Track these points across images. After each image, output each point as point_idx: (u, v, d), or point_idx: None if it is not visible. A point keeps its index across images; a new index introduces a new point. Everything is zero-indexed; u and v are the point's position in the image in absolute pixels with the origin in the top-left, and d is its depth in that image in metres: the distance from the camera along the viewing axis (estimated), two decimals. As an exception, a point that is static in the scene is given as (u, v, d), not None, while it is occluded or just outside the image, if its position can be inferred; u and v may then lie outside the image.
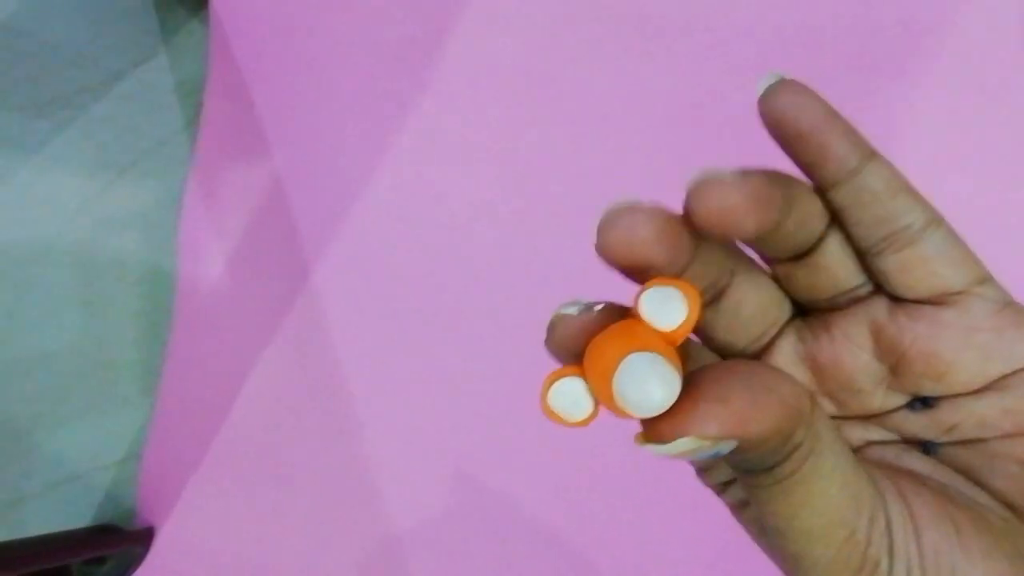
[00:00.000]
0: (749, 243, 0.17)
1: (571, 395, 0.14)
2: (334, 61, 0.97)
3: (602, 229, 0.14)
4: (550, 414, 0.14)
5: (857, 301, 0.17)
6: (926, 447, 0.17)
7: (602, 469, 0.83)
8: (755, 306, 0.17)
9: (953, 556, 0.14)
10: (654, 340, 0.13)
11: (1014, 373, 0.16)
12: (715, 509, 0.80)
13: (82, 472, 0.96)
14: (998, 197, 0.72)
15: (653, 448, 0.13)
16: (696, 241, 0.15)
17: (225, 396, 1.00)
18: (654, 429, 0.13)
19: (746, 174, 0.14)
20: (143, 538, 0.96)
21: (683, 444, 0.12)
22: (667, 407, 0.12)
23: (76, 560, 0.88)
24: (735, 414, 0.12)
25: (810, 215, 0.16)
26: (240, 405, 1.00)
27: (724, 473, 0.19)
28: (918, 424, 0.17)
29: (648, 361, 0.12)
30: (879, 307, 0.17)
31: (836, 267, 0.17)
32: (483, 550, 0.87)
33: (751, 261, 0.18)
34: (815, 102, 0.16)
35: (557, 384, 0.14)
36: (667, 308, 0.13)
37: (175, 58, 0.98)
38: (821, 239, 0.17)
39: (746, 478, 0.14)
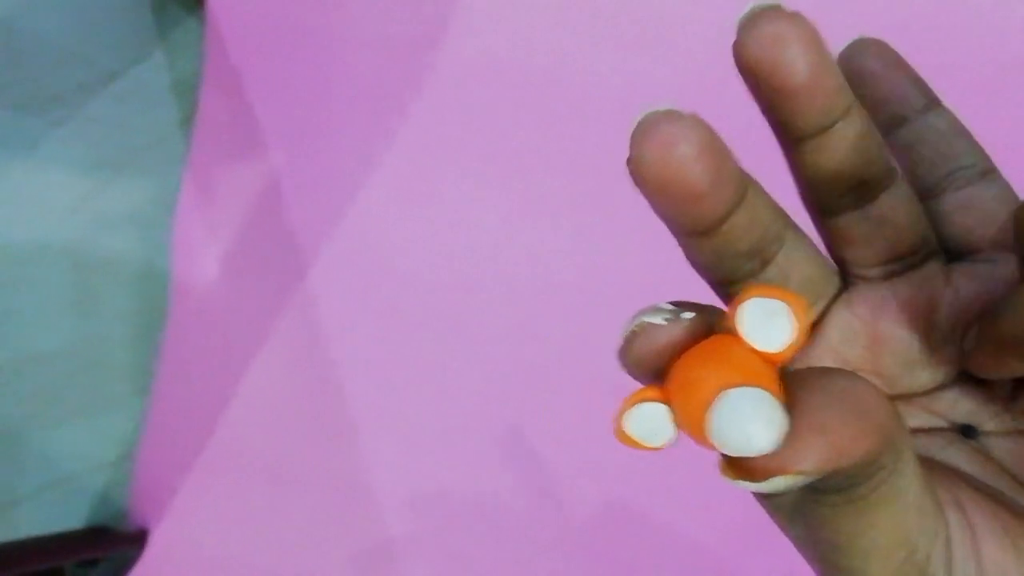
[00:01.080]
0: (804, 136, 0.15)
1: (651, 421, 0.13)
2: (330, 59, 0.97)
3: (636, 139, 0.13)
4: (624, 439, 0.13)
5: (912, 268, 0.16)
6: (968, 431, 0.16)
7: (599, 470, 0.83)
8: (804, 276, 0.16)
9: (1010, 568, 0.14)
10: (755, 365, 0.11)
11: None
12: (717, 511, 0.81)
13: (75, 473, 0.95)
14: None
15: (744, 485, 0.11)
16: (745, 180, 0.14)
17: (219, 396, 1.00)
18: (747, 466, 0.11)
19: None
20: (136, 540, 0.96)
21: (781, 483, 0.11)
22: (771, 449, 0.11)
23: (69, 562, 0.87)
24: (835, 447, 0.11)
25: (876, 146, 0.15)
26: (234, 406, 0.99)
27: None
28: (966, 408, 0.16)
29: (752, 399, 0.11)
30: (936, 274, 0.16)
31: (899, 218, 0.16)
32: (479, 550, 0.87)
33: (799, 229, 0.16)
34: (890, 52, 0.17)
35: (636, 408, 0.13)
36: (770, 325, 0.12)
37: (171, 56, 0.97)
38: (885, 187, 0.15)
39: (813, 495, 0.13)
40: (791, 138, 0.15)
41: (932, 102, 0.17)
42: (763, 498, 0.18)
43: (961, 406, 0.16)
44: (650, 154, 0.12)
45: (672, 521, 0.80)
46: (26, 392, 0.92)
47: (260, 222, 0.99)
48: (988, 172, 0.16)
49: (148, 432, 1.00)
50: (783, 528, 0.17)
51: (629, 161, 0.13)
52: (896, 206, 0.16)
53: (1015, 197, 0.16)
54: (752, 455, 0.11)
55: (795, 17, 0.13)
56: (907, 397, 0.17)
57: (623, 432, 0.13)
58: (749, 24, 0.13)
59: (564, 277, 0.85)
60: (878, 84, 0.17)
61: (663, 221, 0.14)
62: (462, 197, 0.90)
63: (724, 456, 0.12)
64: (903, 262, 0.16)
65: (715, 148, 0.13)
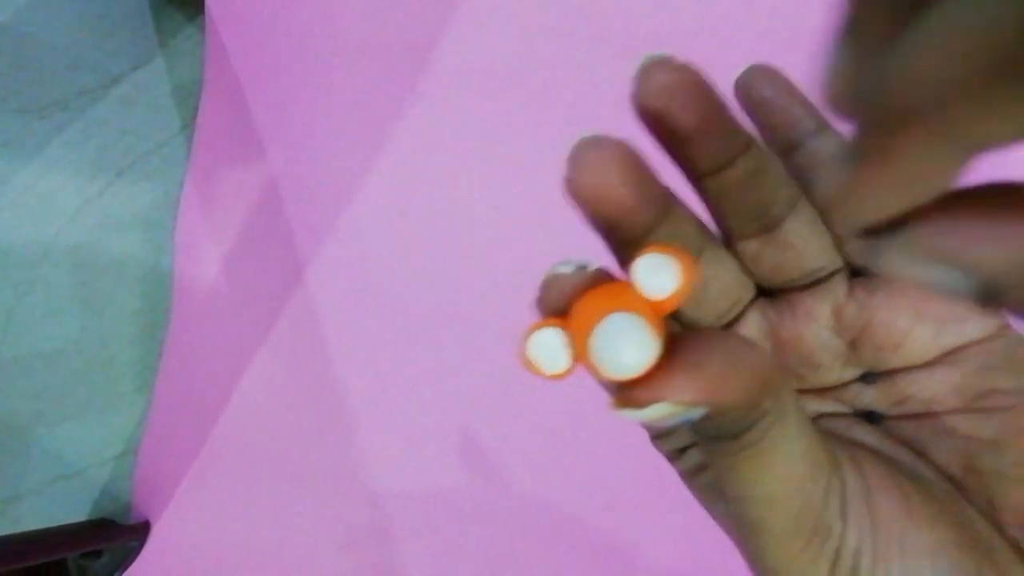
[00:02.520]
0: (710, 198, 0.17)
1: (550, 347, 0.14)
2: (329, 64, 0.97)
3: (570, 164, 0.14)
4: (527, 364, 0.14)
5: (818, 282, 0.17)
6: (871, 416, 0.18)
7: (598, 464, 0.83)
8: (722, 284, 0.18)
9: (903, 523, 0.15)
10: (640, 304, 0.13)
11: (966, 346, 0.16)
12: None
13: (80, 468, 0.97)
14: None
15: (627, 413, 0.12)
16: (666, 201, 0.15)
17: (221, 393, 1.01)
18: (629, 394, 0.12)
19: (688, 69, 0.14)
20: (139, 532, 0.97)
21: (657, 410, 0.12)
22: (641, 371, 0.12)
23: (73, 554, 0.89)
24: (709, 381, 0.12)
25: (775, 176, 0.16)
26: (235, 402, 1.00)
27: (679, 439, 0.19)
28: (869, 397, 0.18)
29: (628, 322, 0.12)
30: (839, 286, 0.17)
31: (803, 244, 0.17)
32: (479, 547, 0.87)
33: (718, 241, 0.18)
34: (779, 79, 0.17)
35: (537, 334, 0.14)
36: (660, 276, 0.13)
37: (172, 62, 0.98)
38: (788, 213, 0.17)
39: (710, 445, 0.14)
40: (692, 176, 0.16)
41: (822, 125, 0.17)
42: (687, 477, 0.19)
43: (865, 396, 0.18)
44: (582, 177, 0.14)
45: (671, 514, 0.80)
46: (33, 389, 0.95)
47: (260, 223, 1.00)
48: None
49: (151, 427, 1.02)
50: (709, 509, 0.19)
51: (564, 181, 0.14)
52: (800, 230, 0.17)
53: None
54: (625, 376, 0.12)
55: (684, 68, 0.14)
56: (817, 391, 0.19)
57: (525, 356, 0.14)
58: (643, 75, 0.14)
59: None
60: (770, 111, 0.17)
61: (596, 233, 0.16)
62: (460, 199, 0.90)
63: (616, 392, 0.13)
64: (809, 277, 0.17)
65: (640, 169, 0.14)
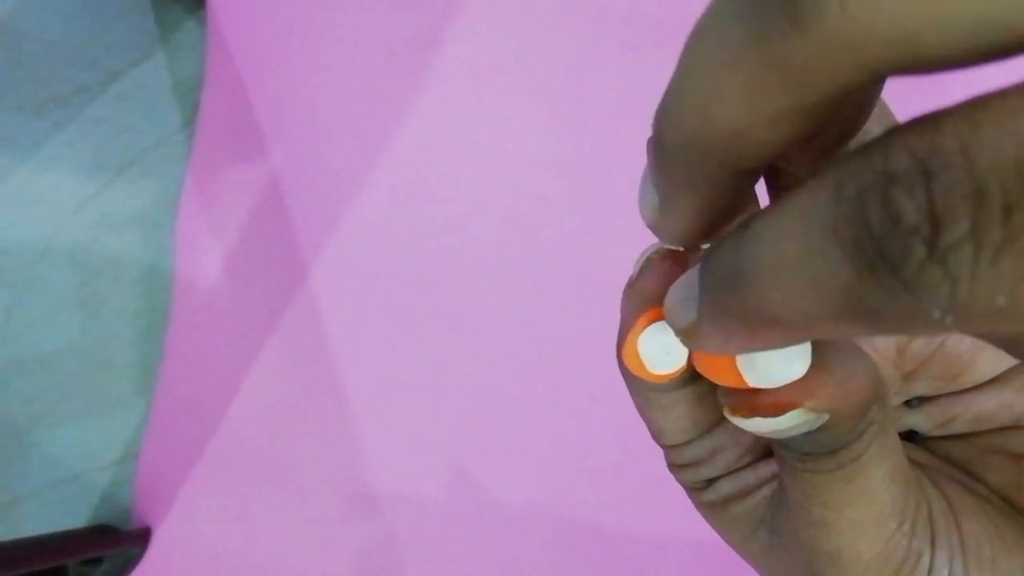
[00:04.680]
0: None
1: (665, 344, 0.12)
2: (332, 60, 0.97)
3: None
4: (632, 360, 0.12)
5: None
6: (912, 435, 0.17)
7: (600, 468, 0.83)
8: None
9: (993, 546, 0.14)
10: None
11: (1016, 367, 0.16)
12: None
13: (79, 472, 0.96)
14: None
15: (753, 423, 0.12)
16: None
17: (222, 395, 1.00)
18: (757, 401, 0.12)
19: None
20: (140, 538, 0.96)
21: (792, 418, 0.11)
22: (793, 380, 0.11)
23: (72, 560, 0.87)
24: (838, 386, 0.12)
25: None
26: (237, 404, 1.00)
27: (710, 470, 0.18)
28: (912, 419, 0.17)
29: None
30: None
31: None
32: (480, 549, 0.87)
33: None
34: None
35: (654, 325, 0.12)
36: None
37: (172, 57, 0.98)
38: None
39: (801, 463, 0.13)
40: None
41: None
42: (712, 509, 0.17)
43: (906, 419, 0.17)
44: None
45: (672, 520, 0.79)
46: (31, 391, 0.93)
47: (262, 222, 1.00)
48: None
49: (151, 431, 1.01)
50: (740, 544, 0.17)
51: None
52: None
53: None
54: (775, 385, 0.11)
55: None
56: None
57: (633, 350, 0.12)
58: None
59: (564, 276, 0.85)
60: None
61: None
62: (463, 197, 0.90)
63: (735, 399, 0.12)
64: None
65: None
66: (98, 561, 0.93)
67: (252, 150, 0.99)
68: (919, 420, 0.17)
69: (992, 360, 0.15)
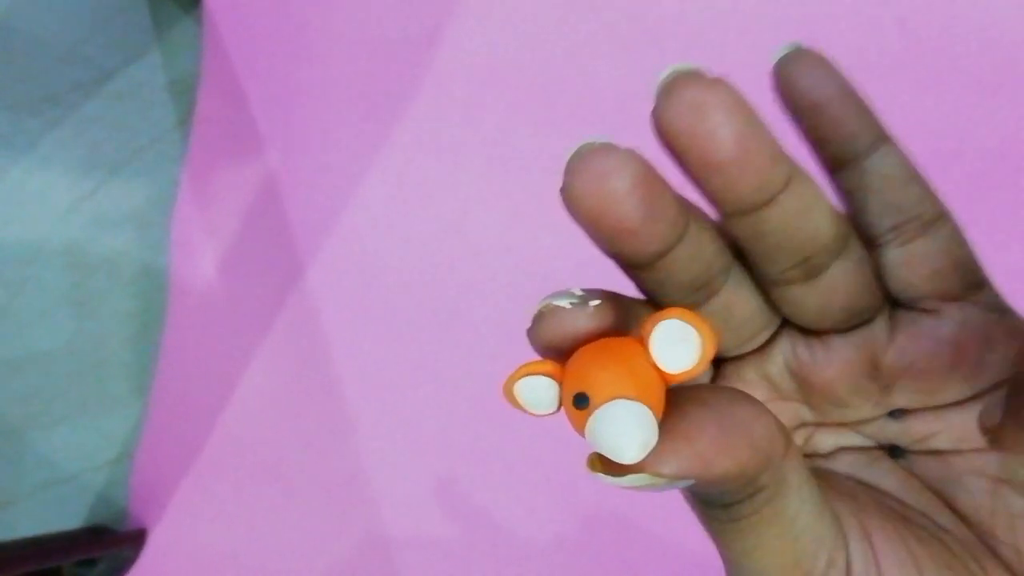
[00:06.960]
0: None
1: (540, 392, 0.13)
2: (328, 58, 0.96)
3: (569, 170, 0.12)
4: (510, 398, 0.13)
5: (857, 325, 0.16)
6: (894, 450, 0.17)
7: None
8: (747, 312, 0.16)
9: None
10: (648, 381, 0.12)
11: (997, 385, 0.15)
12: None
13: (74, 473, 0.96)
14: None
15: (603, 478, 0.12)
16: (685, 216, 0.13)
17: (218, 396, 1.00)
18: (609, 461, 0.12)
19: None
20: (135, 539, 0.96)
21: (636, 480, 0.11)
22: (639, 459, 0.11)
23: (67, 561, 0.87)
24: (699, 455, 0.11)
25: (822, 214, 0.14)
26: (233, 405, 0.99)
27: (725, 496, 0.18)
28: (894, 430, 0.17)
29: (634, 415, 0.11)
30: (880, 332, 0.16)
31: (850, 287, 0.15)
32: (478, 551, 0.87)
33: (745, 267, 0.16)
34: (832, 74, 0.14)
35: (530, 378, 0.13)
36: (678, 348, 0.12)
37: (168, 56, 0.97)
38: (836, 258, 0.15)
39: (701, 508, 0.13)
40: (723, 213, 0.14)
41: (880, 139, 0.15)
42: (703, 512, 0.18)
43: (889, 429, 0.17)
44: (582, 187, 0.12)
45: (672, 527, 0.80)
46: (24, 391, 0.93)
47: (258, 221, 0.99)
48: (937, 219, 0.15)
49: (147, 431, 1.01)
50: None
51: (562, 191, 0.12)
52: (847, 275, 0.15)
53: (965, 241, 0.15)
54: (619, 461, 0.11)
55: (717, 83, 0.12)
56: (836, 423, 0.17)
57: (511, 392, 0.13)
58: (667, 90, 0.12)
59: (564, 277, 0.85)
60: (819, 118, 0.15)
61: (602, 252, 0.14)
62: (460, 197, 0.90)
63: (591, 452, 0.12)
64: (850, 321, 0.16)
65: (650, 183, 0.12)
66: (93, 562, 0.93)
67: (248, 149, 0.99)
68: (901, 433, 0.16)
69: (971, 376, 0.15)
